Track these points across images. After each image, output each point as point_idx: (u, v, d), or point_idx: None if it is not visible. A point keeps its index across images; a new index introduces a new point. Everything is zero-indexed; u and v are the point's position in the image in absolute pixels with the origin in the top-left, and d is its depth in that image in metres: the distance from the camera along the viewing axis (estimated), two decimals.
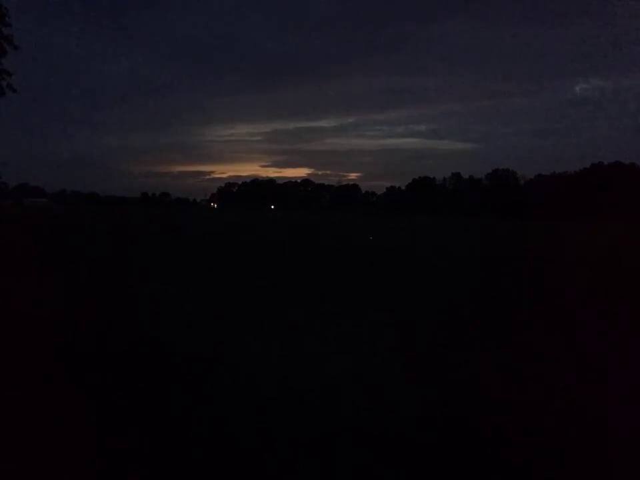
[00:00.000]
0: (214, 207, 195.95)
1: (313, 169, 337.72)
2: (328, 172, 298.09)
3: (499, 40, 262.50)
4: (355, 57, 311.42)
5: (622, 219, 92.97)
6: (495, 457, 4.32)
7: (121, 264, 16.72)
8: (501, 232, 52.59)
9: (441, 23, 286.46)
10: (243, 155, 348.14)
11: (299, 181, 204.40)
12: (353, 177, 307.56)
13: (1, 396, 5.37)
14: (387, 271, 16.62)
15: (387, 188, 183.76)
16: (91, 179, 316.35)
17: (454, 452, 4.37)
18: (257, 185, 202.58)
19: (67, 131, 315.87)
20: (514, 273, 17.10)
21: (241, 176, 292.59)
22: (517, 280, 15.25)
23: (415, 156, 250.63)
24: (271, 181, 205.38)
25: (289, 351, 7.14)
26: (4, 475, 3.98)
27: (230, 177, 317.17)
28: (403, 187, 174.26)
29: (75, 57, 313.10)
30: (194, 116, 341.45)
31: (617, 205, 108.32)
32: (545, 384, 6.12)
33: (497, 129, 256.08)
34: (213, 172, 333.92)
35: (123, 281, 13.00)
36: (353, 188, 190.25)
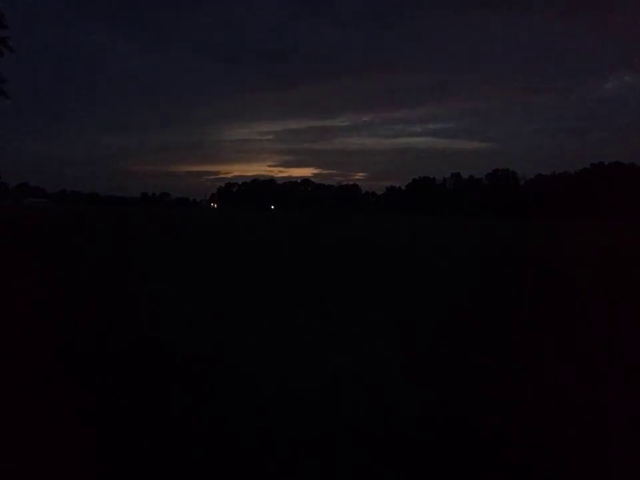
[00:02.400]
0: (214, 206, 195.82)
1: (320, 169, 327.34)
2: (334, 172, 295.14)
3: (526, 34, 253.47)
4: (373, 53, 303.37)
5: (622, 219, 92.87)
6: (494, 457, 4.31)
7: (121, 264, 16.70)
8: (500, 232, 52.53)
9: (462, 17, 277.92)
10: (253, 155, 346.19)
11: (299, 180, 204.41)
12: (359, 177, 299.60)
13: (1, 396, 5.37)
14: (387, 271, 16.60)
15: (387, 188, 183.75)
16: (92, 178, 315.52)
17: (454, 452, 4.37)
18: (257, 184, 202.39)
19: (68, 129, 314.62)
20: (514, 273, 17.08)
21: (246, 175, 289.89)
22: (517, 280, 15.23)
23: (428, 156, 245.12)
24: (270, 181, 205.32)
25: (289, 351, 7.13)
26: (3, 474, 3.98)
27: (235, 176, 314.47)
28: (404, 187, 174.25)
29: (78, 53, 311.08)
30: (203, 114, 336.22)
31: (617, 205, 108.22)
32: (545, 384, 6.11)
33: (519, 127, 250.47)
34: (218, 172, 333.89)
35: (123, 280, 12.98)
36: (353, 188, 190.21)
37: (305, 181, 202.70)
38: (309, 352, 7.12)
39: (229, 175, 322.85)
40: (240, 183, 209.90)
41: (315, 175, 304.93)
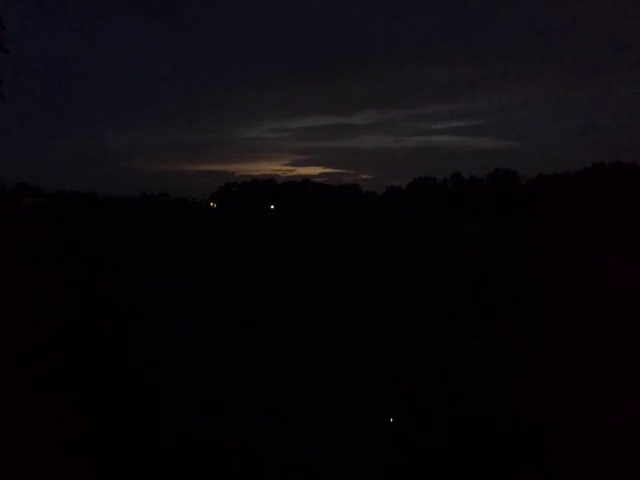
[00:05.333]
0: (214, 206, 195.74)
1: (329, 168, 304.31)
2: (344, 171, 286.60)
3: (559, 27, 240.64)
4: (397, 47, 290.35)
5: (623, 219, 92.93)
6: (494, 455, 4.29)
7: (122, 264, 16.62)
8: (499, 232, 52.52)
9: (491, 12, 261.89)
10: (265, 154, 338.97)
11: (298, 180, 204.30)
12: (366, 177, 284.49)
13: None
14: (387, 272, 16.50)
15: (387, 188, 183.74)
16: (97, 178, 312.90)
17: (455, 450, 4.35)
18: (257, 184, 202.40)
19: (68, 129, 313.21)
20: (514, 273, 17.01)
21: (251, 175, 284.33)
22: (518, 280, 15.16)
23: (447, 155, 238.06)
24: (271, 181, 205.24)
25: (292, 352, 7.05)
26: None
27: (242, 175, 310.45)
28: (404, 187, 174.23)
29: (79, 50, 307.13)
30: (216, 112, 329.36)
31: (617, 205, 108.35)
32: (545, 383, 6.08)
33: (545, 125, 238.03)
34: (226, 171, 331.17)
35: (123, 280, 12.91)
36: (354, 188, 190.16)
37: (305, 180, 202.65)
38: (310, 352, 7.13)
39: (237, 174, 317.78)
40: (240, 182, 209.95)
41: (322, 175, 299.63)
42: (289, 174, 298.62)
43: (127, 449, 4.26)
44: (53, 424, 4.66)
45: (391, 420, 4.78)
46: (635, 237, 43.21)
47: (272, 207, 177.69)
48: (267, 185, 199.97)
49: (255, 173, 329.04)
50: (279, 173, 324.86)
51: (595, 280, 15.43)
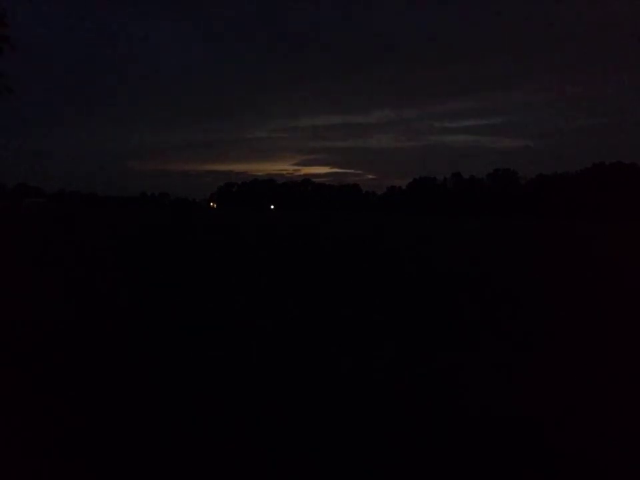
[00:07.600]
0: (213, 206, 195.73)
1: (335, 168, 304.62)
2: (350, 171, 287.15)
3: (565, 27, 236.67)
4: (416, 44, 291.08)
5: (623, 219, 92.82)
6: (495, 455, 4.28)
7: (122, 264, 16.59)
8: (499, 232, 52.47)
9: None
10: (274, 153, 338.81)
11: (299, 180, 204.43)
12: (372, 177, 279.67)
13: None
14: (387, 272, 16.48)
15: (387, 188, 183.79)
16: (97, 178, 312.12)
17: (455, 450, 4.34)
18: (257, 184, 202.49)
19: (69, 129, 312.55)
20: (514, 273, 16.99)
21: (256, 175, 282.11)
22: (518, 280, 15.14)
23: (458, 155, 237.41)
24: (271, 181, 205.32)
25: (292, 352, 7.04)
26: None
27: (247, 175, 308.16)
28: (404, 187, 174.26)
29: (80, 49, 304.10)
30: (221, 112, 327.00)
31: (617, 205, 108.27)
32: (545, 383, 6.07)
33: (561, 123, 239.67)
34: (232, 171, 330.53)
35: (123, 280, 12.88)
36: (354, 188, 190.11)
37: (306, 180, 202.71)
38: (312, 353, 7.08)
39: (245, 174, 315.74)
40: (240, 182, 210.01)
41: (328, 175, 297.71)
42: (295, 174, 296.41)
43: (127, 449, 4.26)
44: (53, 424, 4.66)
45: None
46: (635, 237, 43.18)
47: (272, 206, 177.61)
48: (267, 185, 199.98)
49: (261, 173, 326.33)
50: (285, 172, 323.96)
51: (595, 280, 15.43)
